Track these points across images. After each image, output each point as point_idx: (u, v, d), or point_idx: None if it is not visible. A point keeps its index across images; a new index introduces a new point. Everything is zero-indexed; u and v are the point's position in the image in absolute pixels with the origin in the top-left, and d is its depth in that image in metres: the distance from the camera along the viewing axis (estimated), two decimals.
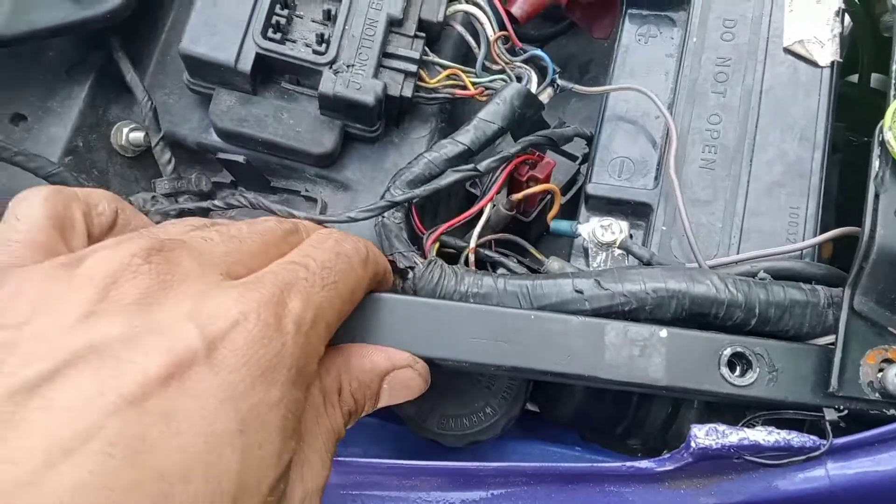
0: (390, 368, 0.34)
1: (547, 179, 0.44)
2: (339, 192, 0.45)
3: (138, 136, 0.45)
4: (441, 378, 0.46)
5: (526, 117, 0.43)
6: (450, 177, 0.39)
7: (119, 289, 0.24)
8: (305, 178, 0.45)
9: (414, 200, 0.39)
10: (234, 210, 0.43)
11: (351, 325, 0.35)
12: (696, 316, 0.38)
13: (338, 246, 0.31)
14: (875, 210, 0.36)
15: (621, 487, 0.39)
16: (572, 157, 0.54)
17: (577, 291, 0.37)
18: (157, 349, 0.23)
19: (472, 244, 0.41)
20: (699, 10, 0.47)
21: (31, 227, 0.27)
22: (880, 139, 0.37)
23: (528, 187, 0.45)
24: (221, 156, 0.43)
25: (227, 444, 0.23)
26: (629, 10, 0.50)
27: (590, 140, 0.49)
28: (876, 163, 0.37)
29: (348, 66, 0.40)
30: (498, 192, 0.42)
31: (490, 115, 0.42)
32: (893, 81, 0.38)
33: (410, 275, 0.37)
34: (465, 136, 0.40)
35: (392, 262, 0.38)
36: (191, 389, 0.23)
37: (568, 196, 0.51)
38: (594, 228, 0.44)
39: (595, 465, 0.38)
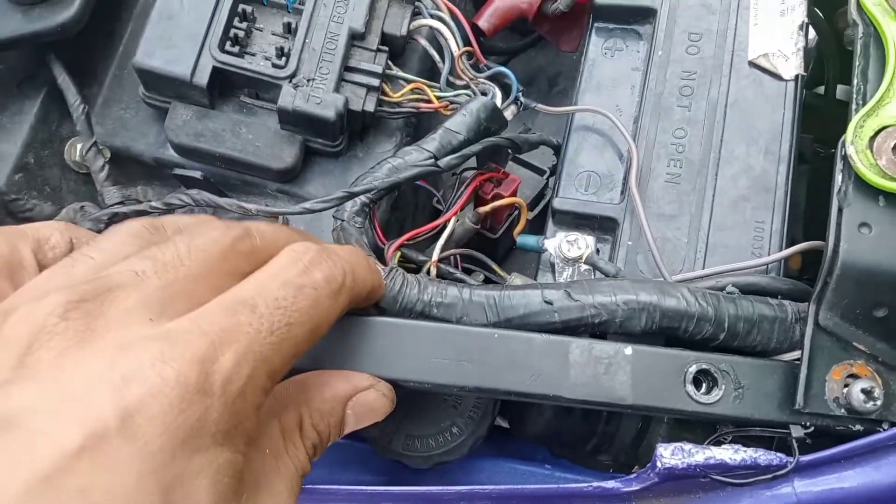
0: (352, 392, 0.33)
1: (513, 196, 0.44)
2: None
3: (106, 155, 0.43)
4: (406, 397, 0.45)
5: (490, 132, 0.42)
6: (409, 171, 0.38)
7: (34, 353, 0.23)
8: (266, 194, 0.44)
9: (374, 200, 0.38)
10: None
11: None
12: (665, 329, 0.37)
13: (304, 276, 0.28)
14: (839, 224, 0.36)
15: None
16: (540, 171, 0.54)
17: (546, 302, 0.37)
18: (70, 419, 0.21)
19: (435, 257, 0.40)
20: (665, 24, 0.47)
21: None
22: (843, 153, 0.37)
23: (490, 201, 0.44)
24: (178, 171, 0.42)
25: None
26: (595, 24, 0.50)
27: (556, 149, 0.48)
28: (839, 177, 0.37)
29: (308, 81, 0.40)
30: (463, 208, 0.41)
31: (456, 126, 0.41)
32: (854, 96, 0.38)
33: None
34: (431, 144, 0.40)
35: None
36: (107, 463, 0.21)
37: (536, 211, 0.51)
38: (560, 244, 0.43)
39: (561, 486, 0.37)
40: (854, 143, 0.36)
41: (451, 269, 0.43)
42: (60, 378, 0.22)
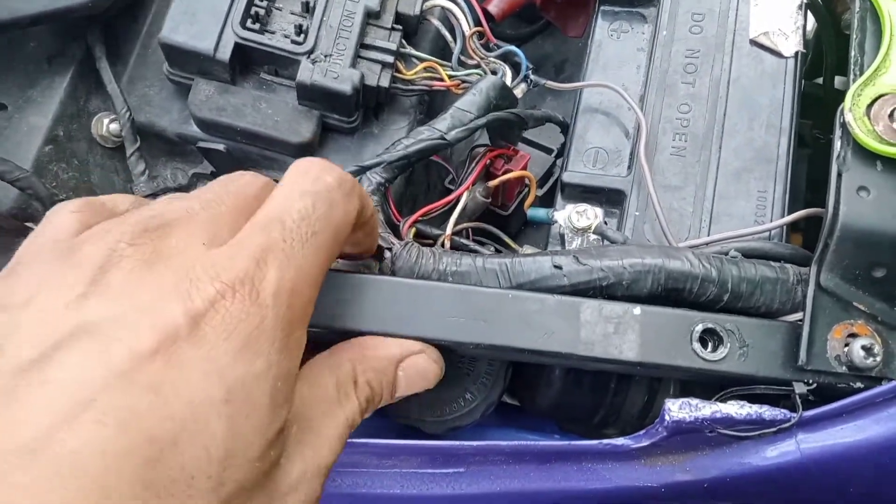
0: (403, 355, 0.35)
1: (523, 171, 0.45)
2: None
3: (118, 127, 0.45)
4: None
5: (501, 109, 0.44)
6: (418, 145, 0.40)
7: (107, 272, 0.26)
8: (285, 168, 0.45)
9: (388, 179, 0.40)
10: None
11: (331, 308, 0.36)
12: (671, 291, 0.39)
13: (317, 183, 0.30)
14: (838, 188, 0.38)
15: (598, 464, 0.39)
16: (548, 150, 0.55)
17: (556, 267, 0.38)
18: (144, 326, 0.24)
19: (449, 231, 0.42)
20: (669, 5, 0.49)
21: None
22: (841, 121, 0.38)
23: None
24: (201, 144, 0.43)
25: (213, 413, 0.25)
26: (602, 7, 0.52)
27: (562, 125, 0.50)
28: (838, 143, 0.38)
29: (326, 56, 0.41)
30: (474, 183, 0.43)
31: (466, 105, 0.43)
32: (852, 67, 0.40)
33: (388, 255, 0.38)
34: (442, 124, 0.41)
35: None
36: (175, 363, 0.24)
37: (545, 188, 0.52)
38: (570, 214, 0.44)
39: (572, 442, 0.39)
40: (852, 110, 0.38)
41: (465, 242, 0.45)
42: (132, 292, 0.25)
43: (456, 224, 0.44)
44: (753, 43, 0.47)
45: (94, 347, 0.24)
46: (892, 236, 0.37)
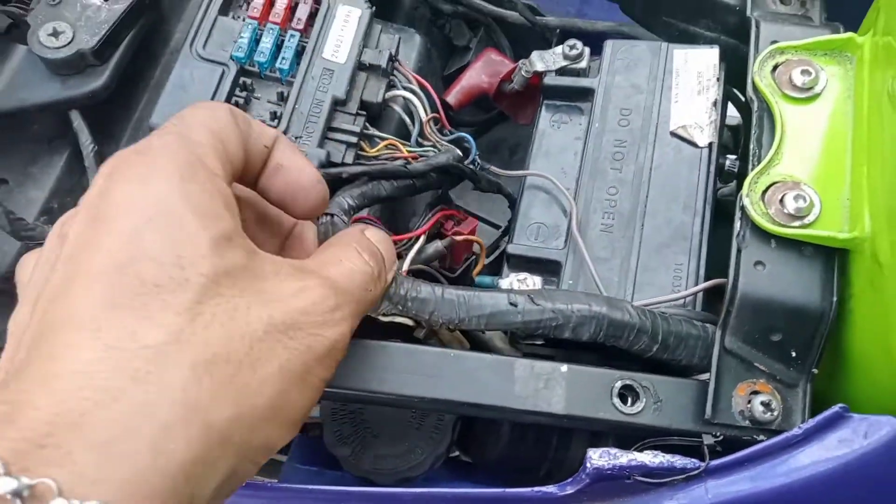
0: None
1: (472, 234, 0.51)
2: None
3: None
4: (374, 421, 0.51)
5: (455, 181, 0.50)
6: (380, 167, 0.45)
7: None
8: None
9: (354, 207, 0.44)
10: None
11: None
12: (609, 338, 0.43)
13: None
14: (738, 263, 0.43)
15: None
16: (496, 226, 0.61)
17: (511, 304, 0.43)
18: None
19: (405, 267, 0.46)
20: (601, 101, 0.56)
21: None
22: (740, 204, 0.44)
23: (453, 239, 0.51)
24: None
25: (147, 230, 0.31)
26: (545, 101, 0.59)
27: (509, 198, 0.55)
28: (738, 224, 0.44)
29: (297, 138, 0.47)
30: (429, 230, 0.48)
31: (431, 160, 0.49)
32: (751, 158, 0.46)
33: None
34: (410, 165, 0.47)
35: None
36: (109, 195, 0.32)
37: (492, 258, 0.58)
38: (512, 282, 0.50)
39: (507, 490, 0.43)
40: (749, 195, 0.44)
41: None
42: None
43: (412, 264, 0.49)
44: (673, 135, 0.53)
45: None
46: (784, 305, 0.42)
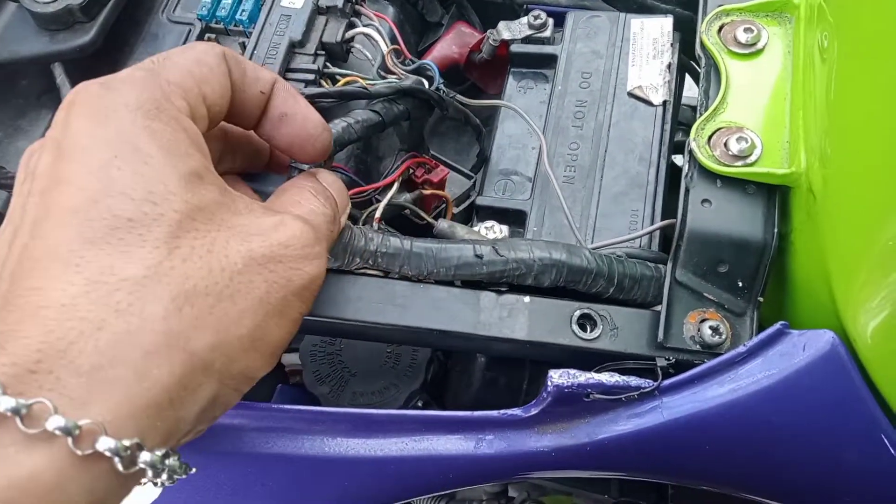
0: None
1: (441, 185, 0.53)
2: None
3: None
4: (352, 359, 0.53)
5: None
6: (339, 89, 0.47)
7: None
8: None
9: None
10: None
11: None
12: (569, 282, 0.46)
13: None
14: (686, 201, 0.47)
15: (499, 432, 0.46)
16: (468, 176, 0.64)
17: (477, 256, 0.45)
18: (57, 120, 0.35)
19: (378, 214, 0.49)
20: (564, 66, 0.59)
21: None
22: (688, 148, 0.48)
23: (423, 188, 0.54)
24: None
25: (113, 168, 0.32)
26: (512, 69, 0.62)
27: (477, 130, 0.57)
28: (686, 166, 0.48)
29: None
30: (399, 178, 0.51)
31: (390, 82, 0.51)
32: (699, 108, 0.50)
33: None
34: (376, 106, 0.49)
35: None
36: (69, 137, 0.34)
37: (462, 207, 0.60)
38: (480, 230, 0.53)
39: (475, 413, 0.45)
40: (696, 140, 0.48)
41: (389, 229, 0.51)
42: None
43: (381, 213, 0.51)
44: (630, 95, 0.57)
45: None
46: (729, 238, 0.46)
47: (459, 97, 0.53)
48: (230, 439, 0.41)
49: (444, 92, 0.51)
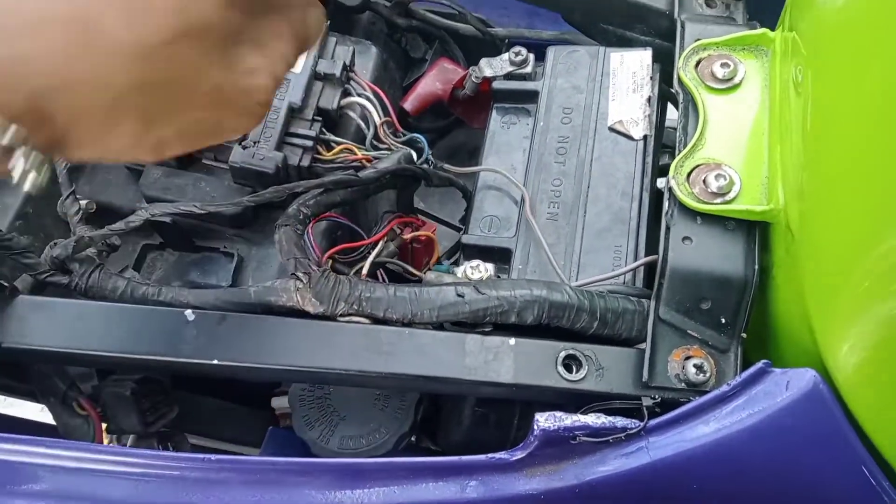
0: None
1: (429, 241, 0.54)
2: (254, 247, 0.54)
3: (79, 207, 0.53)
4: (340, 404, 0.53)
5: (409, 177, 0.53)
6: (333, 177, 0.48)
7: None
8: (224, 237, 0.54)
9: (310, 216, 0.48)
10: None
11: (252, 347, 0.43)
12: (552, 319, 0.46)
13: None
14: (667, 239, 0.47)
15: (488, 476, 0.46)
16: (457, 228, 0.65)
17: (458, 295, 0.46)
18: None
19: (365, 270, 0.49)
20: (545, 102, 0.60)
21: None
22: (668, 186, 0.48)
23: (411, 245, 0.55)
24: (152, 218, 0.51)
25: None
26: (496, 105, 0.63)
27: (463, 191, 0.59)
28: (666, 204, 0.48)
29: (255, 143, 0.50)
30: (384, 236, 0.51)
31: (382, 164, 0.52)
32: (678, 144, 0.50)
33: (306, 280, 0.45)
34: (361, 172, 0.50)
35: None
36: None
37: (452, 260, 0.61)
38: (465, 269, 0.53)
39: (463, 458, 0.45)
40: (675, 177, 0.48)
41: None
42: None
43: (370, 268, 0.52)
44: (611, 129, 0.57)
45: None
46: (711, 275, 0.46)
47: (446, 166, 0.55)
48: (217, 493, 0.41)
49: (431, 163, 0.52)
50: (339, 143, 0.54)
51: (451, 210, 0.70)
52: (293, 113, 0.52)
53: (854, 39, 0.42)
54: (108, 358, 0.44)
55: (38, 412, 0.66)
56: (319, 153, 0.53)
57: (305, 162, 0.52)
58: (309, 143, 0.52)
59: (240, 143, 0.51)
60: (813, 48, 0.46)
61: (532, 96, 0.61)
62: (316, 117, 0.53)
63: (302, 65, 0.54)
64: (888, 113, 0.37)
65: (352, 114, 0.57)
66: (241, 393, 0.66)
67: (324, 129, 0.54)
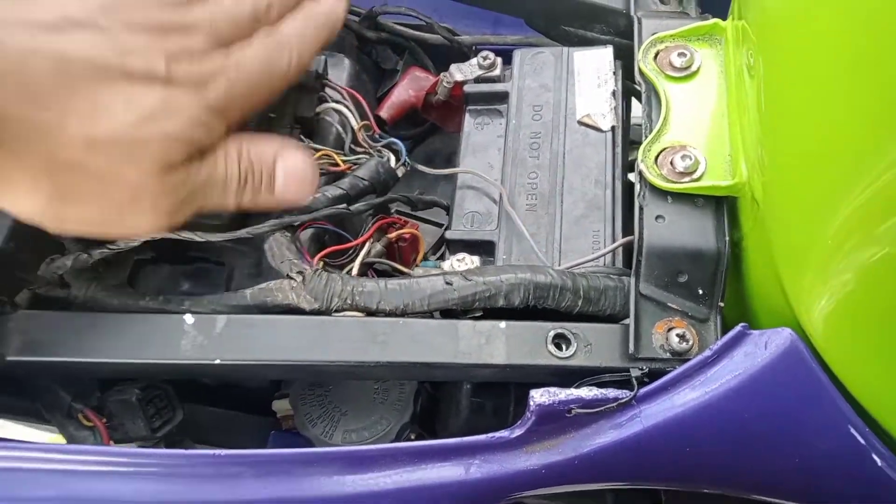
0: (281, 147, 0.42)
1: (414, 238, 0.56)
2: (245, 257, 0.55)
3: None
4: (341, 398, 0.55)
5: (387, 183, 0.55)
6: (325, 211, 0.50)
7: None
8: (215, 248, 0.55)
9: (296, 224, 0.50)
10: None
11: (246, 342, 0.45)
12: (538, 300, 0.49)
13: None
14: (641, 219, 0.50)
15: (490, 455, 0.47)
16: (439, 225, 0.67)
17: (447, 283, 0.48)
18: None
19: (355, 271, 0.51)
20: (516, 101, 0.63)
21: None
22: (638, 170, 0.51)
23: (397, 244, 0.57)
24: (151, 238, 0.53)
25: None
26: (468, 108, 0.65)
27: (445, 208, 0.61)
28: (638, 186, 0.51)
29: None
30: (371, 237, 0.53)
31: (361, 173, 0.54)
32: (644, 131, 0.53)
33: (299, 279, 0.47)
34: (344, 183, 0.52)
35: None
36: None
37: (437, 255, 0.63)
38: (451, 262, 0.55)
39: (463, 438, 0.47)
40: (644, 161, 0.51)
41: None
42: None
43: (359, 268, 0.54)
44: (580, 123, 0.60)
45: None
46: (684, 249, 0.49)
47: (424, 170, 0.57)
48: (229, 487, 0.42)
49: (408, 166, 0.55)
50: (318, 150, 0.55)
51: (433, 210, 0.71)
52: (271, 122, 0.54)
53: (796, 24, 0.46)
54: (113, 365, 0.45)
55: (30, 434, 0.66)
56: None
57: None
58: None
59: None
60: (761, 34, 0.50)
61: (503, 97, 0.64)
62: (294, 125, 0.55)
63: None
64: (830, 88, 0.40)
65: (329, 119, 0.58)
66: (242, 401, 0.67)
67: (302, 137, 0.55)
